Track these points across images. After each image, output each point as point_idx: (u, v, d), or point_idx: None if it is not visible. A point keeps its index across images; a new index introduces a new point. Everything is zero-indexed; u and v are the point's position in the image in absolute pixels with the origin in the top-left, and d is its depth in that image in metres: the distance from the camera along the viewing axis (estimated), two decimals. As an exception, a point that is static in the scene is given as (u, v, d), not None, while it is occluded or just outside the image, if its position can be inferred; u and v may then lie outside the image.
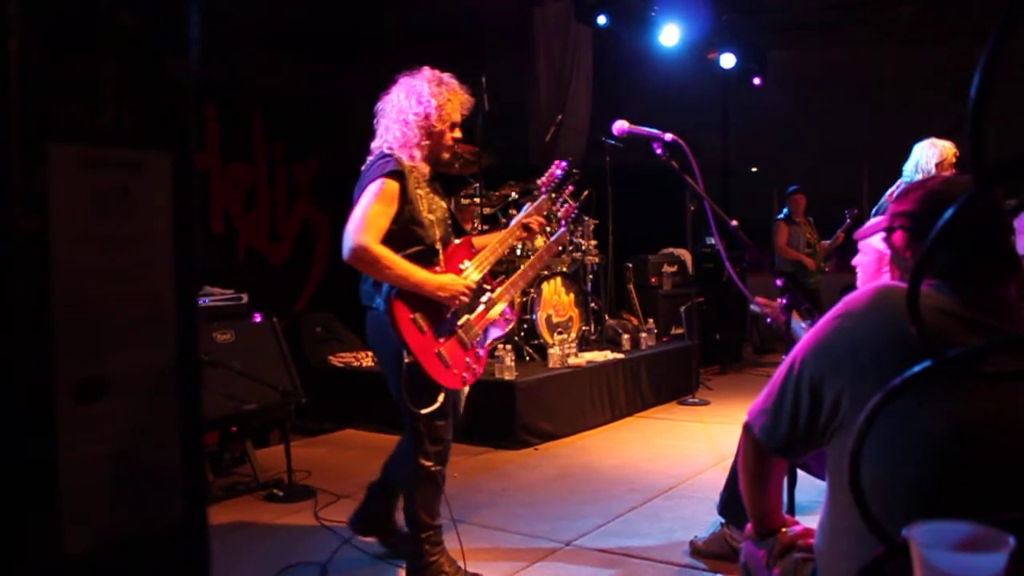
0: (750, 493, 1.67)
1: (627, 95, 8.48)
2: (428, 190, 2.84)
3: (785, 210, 8.06)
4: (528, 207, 3.19)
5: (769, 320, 2.67)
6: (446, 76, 2.86)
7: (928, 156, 4.03)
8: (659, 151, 2.84)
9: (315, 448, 5.15)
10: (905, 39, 9.78)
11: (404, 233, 2.73)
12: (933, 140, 4.09)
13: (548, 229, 5.14)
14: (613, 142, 6.07)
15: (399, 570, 3.07)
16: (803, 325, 2.47)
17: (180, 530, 0.66)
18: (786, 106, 10.19)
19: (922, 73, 9.87)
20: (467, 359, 2.84)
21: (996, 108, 0.60)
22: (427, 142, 2.80)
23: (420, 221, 2.76)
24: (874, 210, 4.26)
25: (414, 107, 2.77)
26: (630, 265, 7.46)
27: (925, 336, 0.70)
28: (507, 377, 5.09)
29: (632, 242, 7.46)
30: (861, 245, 2.04)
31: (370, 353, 5.64)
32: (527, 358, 5.78)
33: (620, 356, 6.00)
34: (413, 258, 2.71)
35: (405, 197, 2.71)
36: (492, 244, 2.98)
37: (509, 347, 5.22)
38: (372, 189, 2.65)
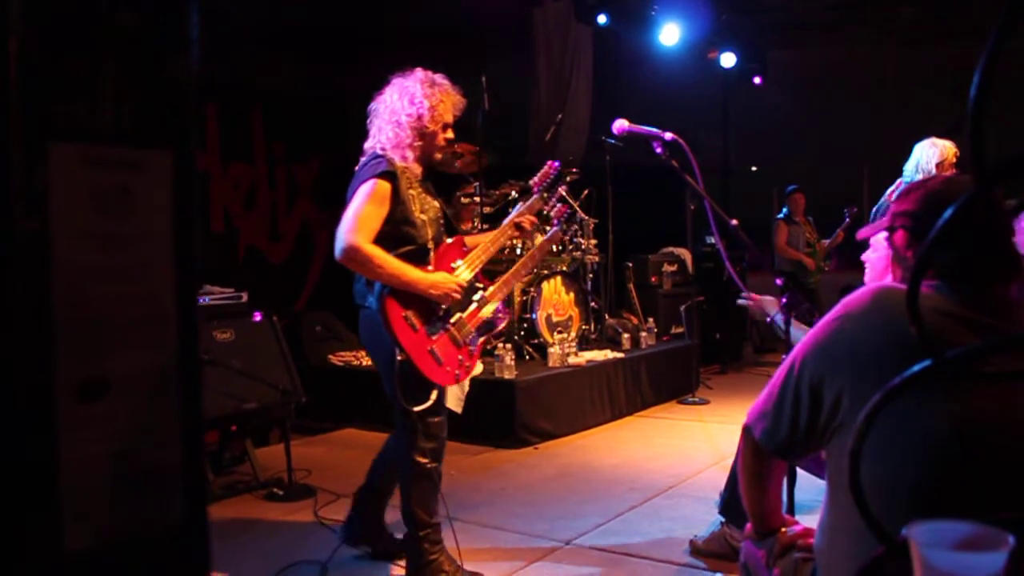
0: (749, 494, 1.68)
1: (627, 95, 8.48)
2: (420, 190, 2.87)
3: (785, 209, 8.05)
4: (520, 206, 3.21)
5: (752, 309, 2.69)
6: (438, 77, 2.88)
7: (928, 156, 4.03)
8: (659, 150, 2.85)
9: (315, 447, 5.16)
10: (905, 39, 9.78)
11: (396, 233, 2.76)
12: (933, 140, 4.09)
13: (547, 228, 5.14)
14: (613, 141, 6.08)
15: (399, 569, 3.07)
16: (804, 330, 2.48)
17: (180, 530, 0.66)
18: (786, 106, 10.19)
19: (922, 73, 9.87)
20: (459, 356, 2.86)
21: (996, 108, 0.60)
22: (419, 143, 2.83)
23: (412, 221, 2.79)
24: (874, 210, 4.26)
25: (407, 108, 2.80)
26: (630, 264, 7.46)
27: (925, 336, 0.70)
28: (507, 376, 5.09)
29: (632, 241, 7.46)
30: (872, 241, 2.05)
31: (369, 352, 5.65)
32: (527, 357, 5.79)
33: (620, 355, 6.00)
34: (405, 257, 2.74)
35: (397, 198, 2.74)
36: (484, 243, 3.02)
37: (509, 346, 5.23)
38: (364, 190, 2.68)
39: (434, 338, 2.78)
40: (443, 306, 2.82)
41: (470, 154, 5.67)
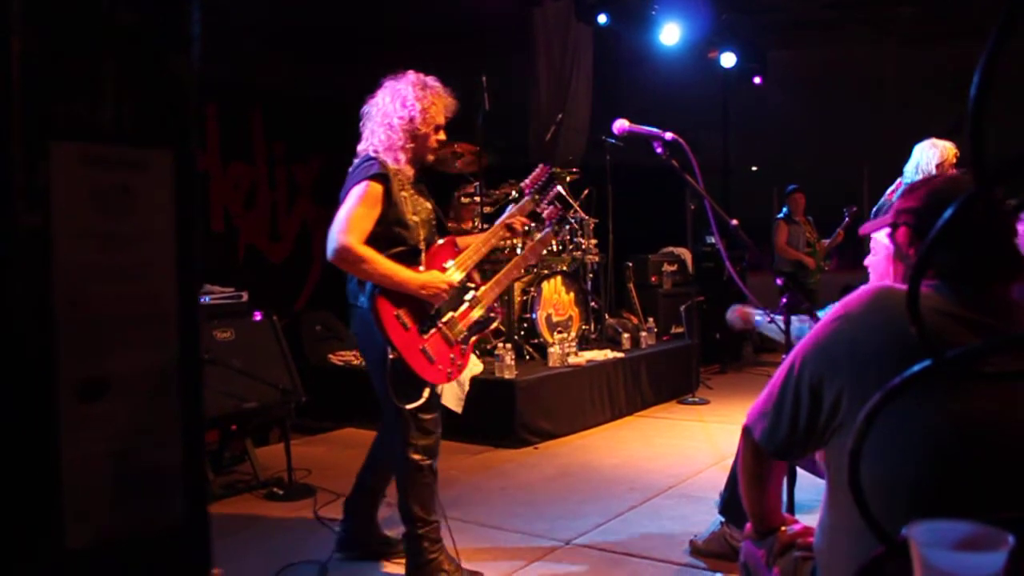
0: (749, 494, 1.68)
1: (627, 94, 8.48)
2: (412, 192, 2.90)
3: (785, 209, 8.05)
4: (512, 208, 3.23)
5: (736, 327, 2.72)
6: (430, 79, 2.91)
7: (929, 157, 4.03)
8: (659, 150, 2.84)
9: (315, 446, 5.16)
10: (905, 39, 9.78)
11: (388, 234, 2.79)
12: (933, 141, 4.08)
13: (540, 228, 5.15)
14: (613, 141, 6.07)
15: (399, 568, 3.07)
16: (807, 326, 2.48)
17: (180, 529, 0.66)
18: (786, 106, 10.19)
19: (922, 73, 9.87)
20: (451, 355, 2.89)
21: (996, 108, 0.60)
22: (412, 145, 2.86)
23: (404, 223, 2.82)
24: (874, 210, 4.25)
25: (399, 111, 2.83)
26: (630, 264, 7.46)
27: (924, 336, 0.70)
28: (507, 376, 5.09)
29: (632, 241, 7.46)
30: (872, 244, 2.04)
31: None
32: (527, 357, 5.79)
33: (620, 355, 6.00)
34: (397, 258, 2.77)
35: (389, 199, 2.77)
36: (475, 244, 3.04)
37: (509, 346, 5.23)
38: (357, 191, 2.72)
39: (426, 337, 2.81)
40: (434, 305, 2.84)
41: (470, 154, 5.68)
